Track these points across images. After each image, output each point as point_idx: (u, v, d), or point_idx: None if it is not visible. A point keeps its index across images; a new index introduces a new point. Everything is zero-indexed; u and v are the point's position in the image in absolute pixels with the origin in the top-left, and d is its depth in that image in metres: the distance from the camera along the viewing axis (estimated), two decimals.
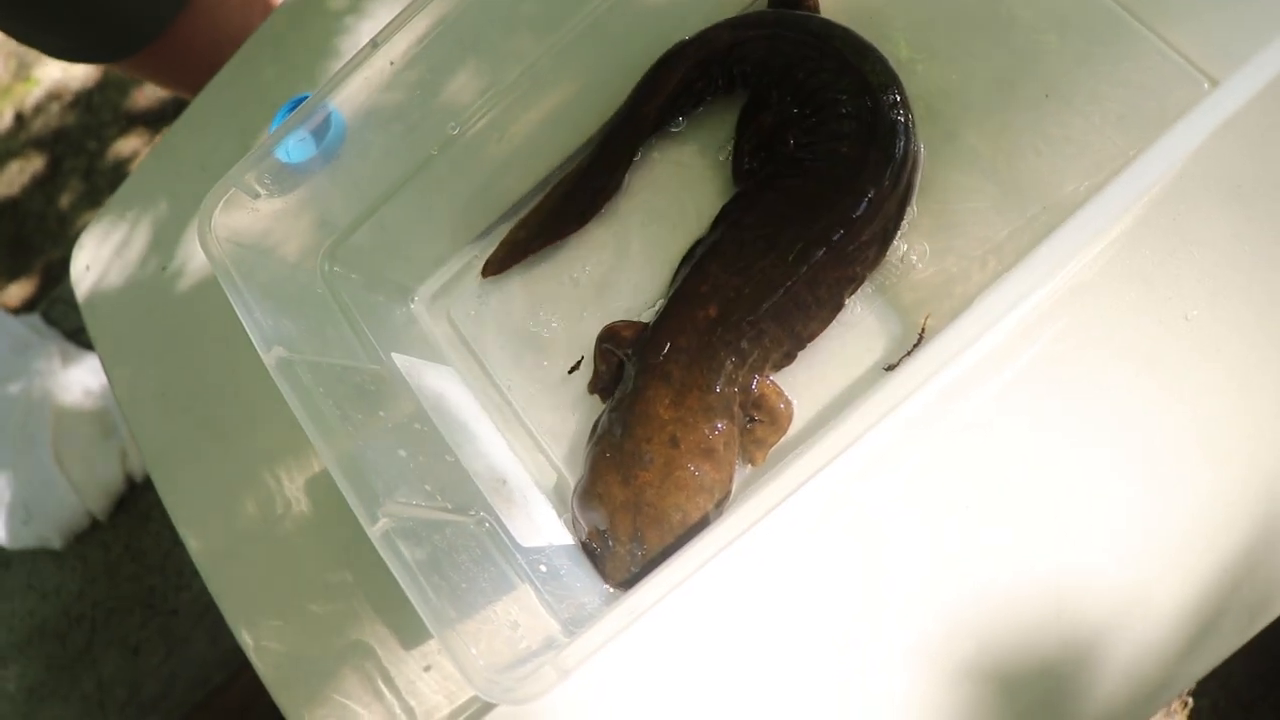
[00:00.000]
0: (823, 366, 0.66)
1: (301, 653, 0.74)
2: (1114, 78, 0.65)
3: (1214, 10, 0.62)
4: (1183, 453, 0.60)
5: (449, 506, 0.57)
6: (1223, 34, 0.62)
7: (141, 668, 1.58)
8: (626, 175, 0.72)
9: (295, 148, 0.61)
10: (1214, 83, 0.62)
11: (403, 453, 0.57)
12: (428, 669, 0.70)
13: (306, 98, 0.60)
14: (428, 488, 0.56)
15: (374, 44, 0.59)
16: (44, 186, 2.20)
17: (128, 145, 2.23)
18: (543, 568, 0.60)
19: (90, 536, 1.70)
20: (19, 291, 2.12)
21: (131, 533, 1.66)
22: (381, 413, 0.59)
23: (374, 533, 0.51)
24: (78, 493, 1.57)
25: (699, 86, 0.71)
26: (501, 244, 0.74)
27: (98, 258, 0.91)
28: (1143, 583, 0.59)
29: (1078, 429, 0.61)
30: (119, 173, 2.21)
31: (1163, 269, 0.62)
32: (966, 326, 0.45)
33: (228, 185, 0.60)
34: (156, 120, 2.19)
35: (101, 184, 2.23)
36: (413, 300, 0.75)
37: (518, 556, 0.59)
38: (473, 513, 0.59)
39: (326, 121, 0.61)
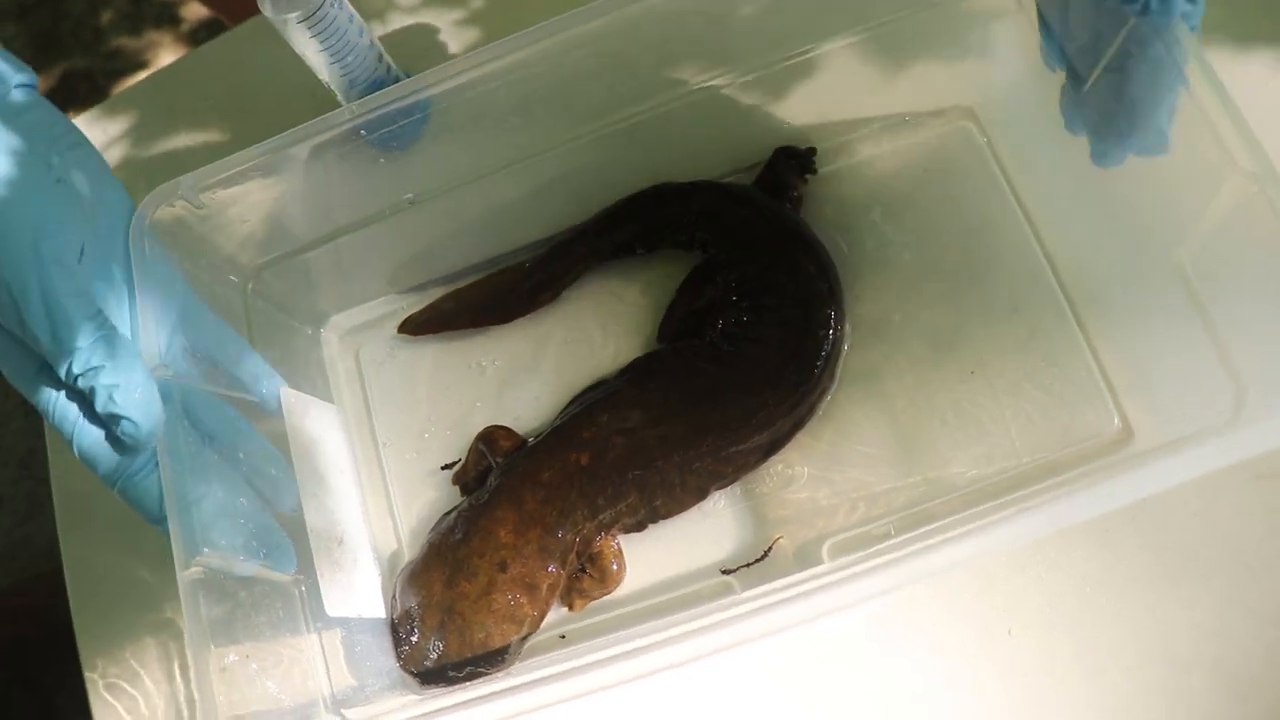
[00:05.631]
0: (668, 543, 0.67)
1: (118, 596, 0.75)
2: (1038, 378, 0.66)
3: (1148, 352, 0.64)
4: None
5: (270, 565, 0.58)
6: (1146, 376, 0.64)
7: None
8: (566, 290, 0.73)
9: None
10: (1124, 422, 0.64)
11: (244, 501, 0.58)
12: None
13: None
14: (254, 543, 0.57)
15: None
16: None
17: None
18: (338, 641, 0.62)
19: None
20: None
21: None
22: (241, 454, 0.60)
23: (183, 579, 0.52)
24: None
25: (663, 235, 0.72)
26: (428, 307, 0.75)
27: None
28: None
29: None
30: (165, 6, 2.19)
31: (1005, 575, 0.63)
32: (804, 605, 0.46)
33: (176, 186, 0.60)
34: None
35: (148, 12, 2.20)
36: (326, 326, 0.77)
37: (317, 624, 0.61)
38: (293, 573, 0.60)
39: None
